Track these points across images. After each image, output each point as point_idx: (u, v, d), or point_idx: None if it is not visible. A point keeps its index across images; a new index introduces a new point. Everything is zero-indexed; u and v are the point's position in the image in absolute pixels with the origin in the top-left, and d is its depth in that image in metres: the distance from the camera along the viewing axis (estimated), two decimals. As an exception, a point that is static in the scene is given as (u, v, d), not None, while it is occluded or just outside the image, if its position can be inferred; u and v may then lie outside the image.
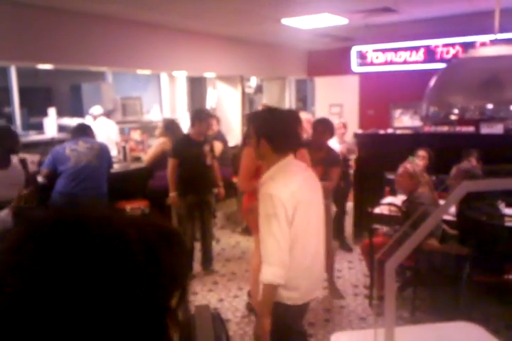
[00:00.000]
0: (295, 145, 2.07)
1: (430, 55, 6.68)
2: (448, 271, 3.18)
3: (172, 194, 4.06)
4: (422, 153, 4.39)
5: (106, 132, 5.76)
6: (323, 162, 3.69)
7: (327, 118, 3.96)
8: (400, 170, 3.55)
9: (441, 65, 6.54)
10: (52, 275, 0.45)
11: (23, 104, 7.38)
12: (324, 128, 3.74)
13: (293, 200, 1.83)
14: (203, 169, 4.16)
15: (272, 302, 1.89)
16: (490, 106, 1.62)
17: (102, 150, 4.00)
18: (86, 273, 0.46)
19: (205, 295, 3.84)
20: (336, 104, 8.50)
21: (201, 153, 4.12)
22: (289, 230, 1.84)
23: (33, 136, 6.70)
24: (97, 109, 6.16)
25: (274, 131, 1.97)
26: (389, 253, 1.00)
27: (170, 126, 4.81)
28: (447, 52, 6.53)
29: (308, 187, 1.96)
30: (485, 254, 3.06)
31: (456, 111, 1.72)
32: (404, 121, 7.54)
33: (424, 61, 6.72)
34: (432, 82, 1.82)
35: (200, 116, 4.10)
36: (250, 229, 3.53)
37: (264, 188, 1.89)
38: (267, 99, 9.53)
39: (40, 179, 3.85)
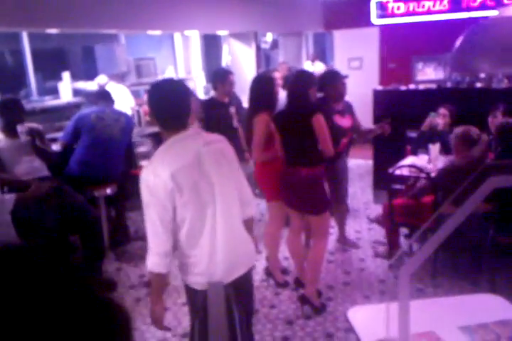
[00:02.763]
0: (184, 118, 1.82)
1: (456, 3, 6.25)
2: (471, 233, 3.10)
3: None
4: (442, 110, 4.20)
5: (116, 98, 5.67)
6: (346, 111, 3.65)
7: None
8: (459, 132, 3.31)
9: (468, 15, 6.14)
10: None
11: (36, 68, 7.31)
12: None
13: (168, 184, 1.68)
14: (232, 132, 4.02)
15: (160, 290, 1.92)
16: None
17: (128, 124, 3.89)
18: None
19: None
20: (355, 57, 8.17)
21: (228, 115, 4.03)
22: (168, 215, 1.73)
23: (49, 102, 6.68)
24: (102, 79, 6.04)
25: (153, 109, 1.83)
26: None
27: None
28: (474, 1, 6.09)
29: (204, 165, 1.78)
30: (510, 216, 2.97)
31: (482, 76, 1.58)
32: (428, 73, 7.21)
33: (449, 10, 6.31)
34: (457, 45, 1.66)
35: (222, 76, 3.98)
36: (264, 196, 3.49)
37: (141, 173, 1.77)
38: (283, 56, 9.20)
39: (54, 147, 3.84)
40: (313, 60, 8.62)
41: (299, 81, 3.01)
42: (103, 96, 3.92)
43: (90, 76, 7.67)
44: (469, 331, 1.48)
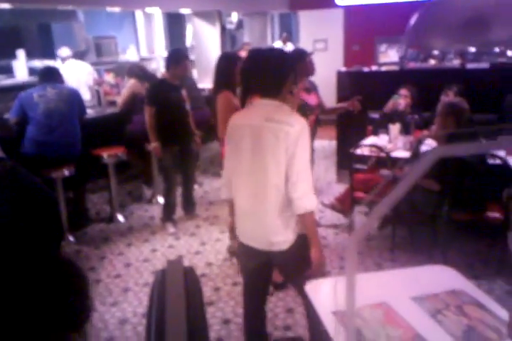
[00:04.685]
0: (268, 87, 1.95)
1: (419, -16, 6.30)
2: (427, 209, 3.19)
3: (154, 144, 3.80)
4: (403, 91, 4.26)
5: (76, 75, 5.47)
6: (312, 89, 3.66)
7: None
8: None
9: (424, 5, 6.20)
10: None
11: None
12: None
13: None
14: (184, 115, 3.95)
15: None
16: (473, 49, 1.48)
17: (72, 96, 3.80)
18: None
19: (187, 239, 3.87)
20: (321, 39, 8.16)
21: (180, 98, 3.91)
22: None
23: (3, 81, 6.38)
24: (64, 51, 5.79)
25: (245, 72, 2.03)
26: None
27: (133, 70, 4.63)
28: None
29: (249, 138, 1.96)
30: (465, 192, 3.06)
31: (435, 53, 1.58)
32: (391, 55, 7.28)
33: (412, -9, 6.35)
34: (412, 22, 1.66)
35: (177, 59, 3.80)
36: None
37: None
38: (248, 36, 9.08)
39: (12, 126, 3.69)
40: (284, 41, 8.55)
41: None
42: (48, 73, 3.81)
43: (47, 55, 7.36)
44: (420, 301, 1.52)
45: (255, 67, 1.95)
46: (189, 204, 4.30)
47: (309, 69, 3.57)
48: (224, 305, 2.91)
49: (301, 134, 1.83)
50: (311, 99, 3.62)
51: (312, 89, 3.70)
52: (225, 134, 3.08)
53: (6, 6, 4.80)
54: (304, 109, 3.54)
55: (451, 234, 3.07)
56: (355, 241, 0.85)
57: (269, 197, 1.87)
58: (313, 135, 4.01)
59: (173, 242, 3.82)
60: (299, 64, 3.50)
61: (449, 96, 3.96)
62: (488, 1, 1.51)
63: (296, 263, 2.00)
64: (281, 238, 1.92)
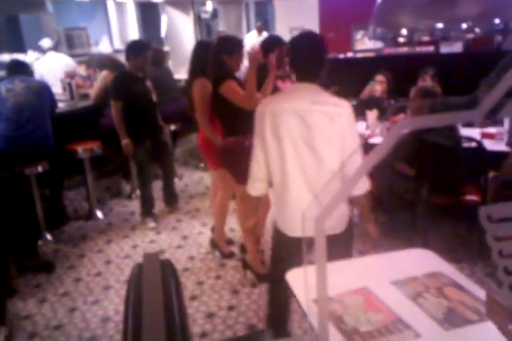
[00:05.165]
0: (310, 71, 1.95)
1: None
2: (407, 195, 3.20)
3: (125, 141, 3.67)
4: (379, 77, 4.27)
5: (55, 68, 5.33)
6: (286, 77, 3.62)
7: None
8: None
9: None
10: None
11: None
12: None
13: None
14: (152, 107, 3.86)
15: None
16: (440, 25, 1.47)
17: (42, 89, 3.68)
18: None
19: (168, 233, 3.82)
20: (297, 27, 8.09)
21: (146, 90, 3.80)
22: None
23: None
24: (46, 42, 5.64)
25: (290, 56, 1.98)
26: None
27: (103, 61, 4.53)
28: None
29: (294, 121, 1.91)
30: (442, 176, 3.08)
31: (404, 32, 1.56)
32: (367, 43, 7.28)
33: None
34: (378, 0, 1.64)
35: (136, 49, 3.65)
36: (208, 165, 3.40)
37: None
38: (223, 25, 8.97)
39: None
40: (259, 31, 8.46)
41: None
42: (16, 66, 3.70)
43: (16, 48, 7.14)
44: (401, 284, 1.52)
45: (303, 51, 1.91)
46: (171, 197, 4.25)
47: (283, 58, 3.53)
48: (207, 298, 2.88)
49: (351, 115, 1.85)
50: (286, 87, 3.59)
51: (286, 77, 3.69)
52: (225, 120, 2.99)
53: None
54: None
55: (430, 219, 3.09)
56: (321, 222, 0.83)
57: (331, 182, 1.82)
58: None
59: (154, 237, 3.77)
60: (276, 51, 3.47)
61: (426, 81, 3.98)
62: None
63: (344, 247, 2.01)
64: (338, 222, 1.93)
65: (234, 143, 2.83)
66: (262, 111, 1.92)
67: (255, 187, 2.01)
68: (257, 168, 1.98)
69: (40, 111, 3.60)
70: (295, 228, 1.94)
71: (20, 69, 3.65)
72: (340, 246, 1.94)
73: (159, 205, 4.22)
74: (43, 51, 5.72)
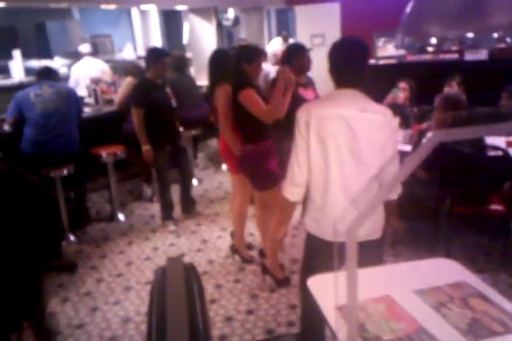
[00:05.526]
0: (351, 77, 1.95)
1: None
2: (429, 202, 3.18)
3: (145, 147, 3.71)
4: (402, 85, 4.25)
5: (90, 73, 5.45)
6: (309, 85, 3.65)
7: None
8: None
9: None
10: None
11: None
12: None
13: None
14: (172, 114, 3.93)
15: None
16: (470, 35, 1.46)
17: (70, 95, 3.78)
18: None
19: (188, 237, 3.86)
20: (318, 34, 8.11)
21: (166, 97, 3.85)
22: None
23: (0, 81, 6.36)
24: (84, 47, 5.79)
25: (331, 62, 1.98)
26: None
27: (129, 68, 4.62)
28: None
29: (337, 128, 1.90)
30: (467, 185, 3.04)
31: (433, 41, 1.56)
32: (389, 49, 7.25)
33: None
34: (408, 8, 1.64)
35: (156, 57, 3.72)
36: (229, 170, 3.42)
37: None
38: (245, 32, 9.04)
39: (6, 127, 3.67)
40: (285, 39, 8.48)
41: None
42: (45, 72, 3.80)
43: (43, 54, 7.33)
44: (423, 294, 1.51)
45: (347, 56, 1.91)
46: (188, 203, 4.28)
47: (306, 65, 3.55)
48: (226, 302, 2.90)
49: (396, 123, 1.89)
50: (309, 95, 3.59)
51: (309, 84, 3.69)
52: (244, 128, 2.99)
53: (1, 4, 4.76)
54: (300, 104, 3.52)
55: (453, 228, 3.05)
56: (353, 231, 0.83)
57: (369, 188, 1.83)
58: None
59: (174, 240, 3.81)
60: (297, 59, 3.50)
61: (452, 87, 3.95)
62: None
63: (377, 254, 2.02)
64: (373, 228, 1.94)
65: (252, 152, 2.86)
66: (306, 117, 1.90)
67: (293, 191, 2.00)
68: (298, 172, 1.96)
69: (67, 117, 3.69)
70: (334, 233, 1.93)
71: (49, 75, 3.75)
72: (372, 252, 1.94)
73: (179, 209, 4.27)
74: (80, 56, 5.85)
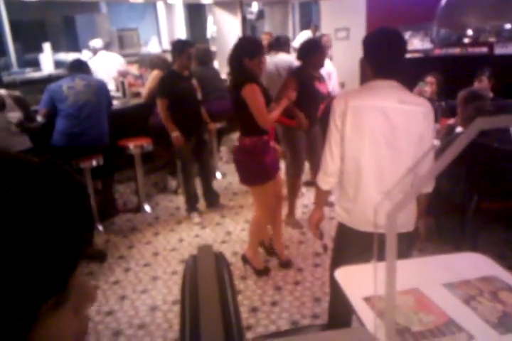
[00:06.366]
0: (389, 67, 1.93)
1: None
2: (455, 198, 3.15)
3: (175, 134, 3.78)
4: (429, 79, 4.19)
5: (106, 67, 5.55)
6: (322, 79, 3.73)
7: None
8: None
9: (456, -20, 6.04)
10: None
11: (16, 39, 7.08)
12: None
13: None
14: (197, 105, 3.97)
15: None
16: (508, 26, 1.45)
17: (100, 88, 3.86)
18: None
19: (213, 229, 3.91)
20: (342, 28, 8.03)
21: (191, 88, 3.90)
22: None
23: (30, 74, 6.51)
24: (97, 42, 5.88)
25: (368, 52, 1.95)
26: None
27: (155, 61, 4.67)
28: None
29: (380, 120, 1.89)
30: (494, 181, 3.01)
31: (469, 32, 1.55)
32: (415, 43, 7.13)
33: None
34: (443, 1, 1.63)
35: (180, 48, 3.76)
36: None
37: None
38: (269, 26, 9.03)
39: (39, 118, 3.77)
40: (314, 32, 8.45)
41: (233, 50, 2.90)
42: (77, 65, 3.87)
43: (72, 47, 7.47)
44: (452, 287, 1.52)
45: (385, 47, 1.89)
46: (211, 196, 4.32)
47: (322, 60, 3.61)
48: (251, 293, 2.95)
49: (432, 115, 1.88)
50: (323, 88, 3.67)
51: (322, 78, 3.75)
52: (243, 121, 2.98)
53: None
54: (317, 98, 3.57)
55: (479, 224, 3.02)
56: (393, 217, 0.85)
57: (404, 180, 1.84)
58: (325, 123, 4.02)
59: (199, 232, 3.87)
60: (313, 55, 3.54)
61: (482, 82, 3.89)
62: None
63: (408, 246, 2.02)
64: (408, 220, 1.95)
65: (250, 144, 2.86)
66: (342, 107, 1.88)
67: (327, 181, 2.02)
68: (331, 162, 1.97)
69: (98, 109, 3.77)
70: (366, 223, 1.94)
71: (81, 67, 3.83)
72: (403, 245, 1.95)
73: (203, 202, 4.32)
74: (94, 51, 5.95)
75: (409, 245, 2.04)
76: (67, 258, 0.45)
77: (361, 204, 1.94)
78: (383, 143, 1.84)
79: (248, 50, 2.81)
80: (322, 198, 2.15)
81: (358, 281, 1.59)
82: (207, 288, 1.72)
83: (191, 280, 1.87)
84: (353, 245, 2.03)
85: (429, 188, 1.94)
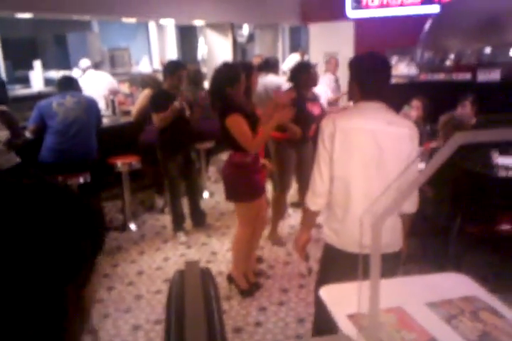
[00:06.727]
0: (376, 89, 1.97)
1: (428, -3, 6.42)
2: (439, 221, 3.20)
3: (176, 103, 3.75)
4: (415, 103, 4.30)
5: (95, 85, 5.59)
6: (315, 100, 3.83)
7: None
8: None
9: (438, 9, 6.28)
10: None
11: (6, 56, 7.11)
12: None
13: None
14: (185, 124, 4.00)
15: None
16: (488, 50, 1.52)
17: (90, 105, 3.88)
18: None
19: (198, 248, 3.89)
20: (331, 52, 8.23)
21: (181, 107, 3.96)
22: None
23: (20, 90, 6.52)
24: (84, 62, 5.93)
25: (356, 75, 1.99)
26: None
27: (146, 80, 4.73)
28: (446, -5, 6.24)
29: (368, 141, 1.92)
30: (477, 205, 3.06)
31: (452, 56, 1.62)
32: (401, 69, 7.33)
33: (421, 3, 6.48)
34: (427, 25, 1.71)
35: (171, 68, 3.86)
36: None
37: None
38: (259, 49, 9.20)
39: (27, 134, 3.77)
40: (302, 55, 8.64)
41: (213, 79, 2.92)
42: (67, 82, 3.90)
43: (63, 65, 7.51)
44: (435, 306, 1.54)
45: (373, 70, 1.94)
46: (197, 215, 4.32)
47: (314, 80, 3.70)
48: (235, 314, 2.92)
49: (417, 136, 1.92)
50: (315, 109, 3.74)
51: (315, 99, 3.83)
52: (232, 139, 3.01)
53: (26, 15, 4.93)
54: (308, 119, 3.65)
55: (463, 247, 3.06)
56: (377, 227, 0.87)
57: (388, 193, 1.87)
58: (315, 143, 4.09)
59: (185, 251, 3.85)
60: (304, 75, 3.64)
61: (466, 107, 4.00)
62: (502, 3, 1.56)
63: (394, 267, 2.01)
64: (396, 239, 1.98)
65: (239, 160, 2.89)
66: (331, 128, 1.91)
67: (315, 201, 2.02)
68: (320, 182, 1.98)
69: (87, 126, 3.79)
70: (354, 244, 1.94)
71: (71, 84, 3.86)
72: (389, 265, 1.96)
73: (189, 221, 4.31)
74: (82, 70, 5.99)
75: (395, 265, 2.06)
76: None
77: (350, 225, 1.95)
78: (372, 165, 1.88)
79: (228, 78, 2.84)
80: (310, 219, 2.15)
81: (343, 299, 1.61)
82: (193, 304, 1.71)
83: (177, 296, 1.86)
84: (340, 266, 2.03)
85: (412, 208, 1.96)
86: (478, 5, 1.65)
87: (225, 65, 2.97)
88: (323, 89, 5.18)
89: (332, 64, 6.67)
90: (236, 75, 2.87)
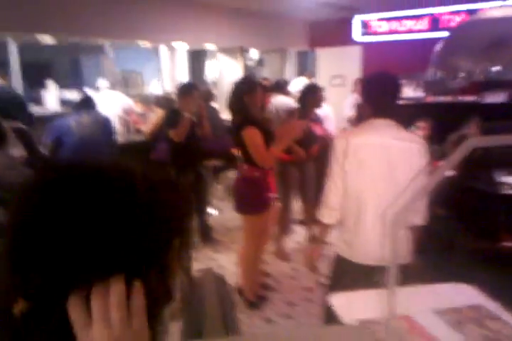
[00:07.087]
0: (386, 108, 2.05)
1: (435, 23, 6.57)
2: (444, 238, 3.22)
3: None
4: (421, 123, 4.39)
5: (109, 104, 5.74)
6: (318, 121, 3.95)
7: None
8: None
9: (446, 34, 6.45)
10: (67, 207, 0.52)
11: (24, 78, 7.33)
12: None
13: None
14: (196, 142, 4.12)
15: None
16: (495, 68, 1.60)
17: (106, 124, 3.99)
18: (94, 207, 0.52)
19: (206, 263, 3.93)
20: (338, 75, 8.40)
21: (192, 125, 4.07)
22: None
23: (34, 108, 6.68)
24: (102, 82, 6.11)
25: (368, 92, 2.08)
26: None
27: (161, 101, 4.88)
28: (452, 21, 6.41)
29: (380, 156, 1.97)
30: (480, 222, 3.10)
31: (462, 74, 1.71)
32: (407, 92, 7.47)
33: (429, 29, 6.63)
34: (438, 47, 1.80)
35: (184, 90, 4.02)
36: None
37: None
38: (267, 72, 9.42)
39: (45, 153, 3.86)
40: (309, 77, 8.83)
41: (232, 91, 2.99)
42: (85, 101, 4.02)
43: (76, 87, 7.71)
44: (443, 314, 1.57)
45: (384, 88, 2.03)
46: (205, 231, 4.38)
47: (319, 102, 3.83)
48: (241, 326, 2.93)
49: (427, 151, 1.98)
50: (318, 129, 3.85)
51: (317, 120, 3.95)
52: (244, 150, 3.03)
53: (47, 39, 5.14)
54: (311, 139, 3.75)
55: (466, 263, 3.08)
56: (401, 218, 0.92)
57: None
58: (320, 164, 4.16)
59: (193, 265, 3.87)
60: (311, 97, 3.78)
61: (471, 129, 4.06)
62: (509, 24, 1.65)
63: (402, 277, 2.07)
64: (405, 250, 2.03)
65: (252, 172, 2.95)
66: (343, 145, 1.99)
67: (331, 215, 2.08)
68: (333, 196, 2.05)
69: (102, 145, 3.89)
70: (365, 256, 2.00)
71: (89, 104, 3.98)
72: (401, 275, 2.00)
73: (198, 236, 4.36)
74: (98, 89, 6.17)
75: (404, 276, 2.09)
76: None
77: (362, 237, 2.00)
78: (384, 179, 1.94)
79: (246, 86, 2.93)
80: (324, 232, 2.19)
81: (352, 306, 1.65)
82: (210, 307, 1.76)
83: (191, 300, 1.90)
84: (351, 278, 2.06)
85: (421, 220, 2.01)
86: (487, 26, 1.75)
87: (244, 78, 3.13)
88: (348, 108, 5.36)
89: (359, 85, 6.95)
90: (253, 84, 2.98)
